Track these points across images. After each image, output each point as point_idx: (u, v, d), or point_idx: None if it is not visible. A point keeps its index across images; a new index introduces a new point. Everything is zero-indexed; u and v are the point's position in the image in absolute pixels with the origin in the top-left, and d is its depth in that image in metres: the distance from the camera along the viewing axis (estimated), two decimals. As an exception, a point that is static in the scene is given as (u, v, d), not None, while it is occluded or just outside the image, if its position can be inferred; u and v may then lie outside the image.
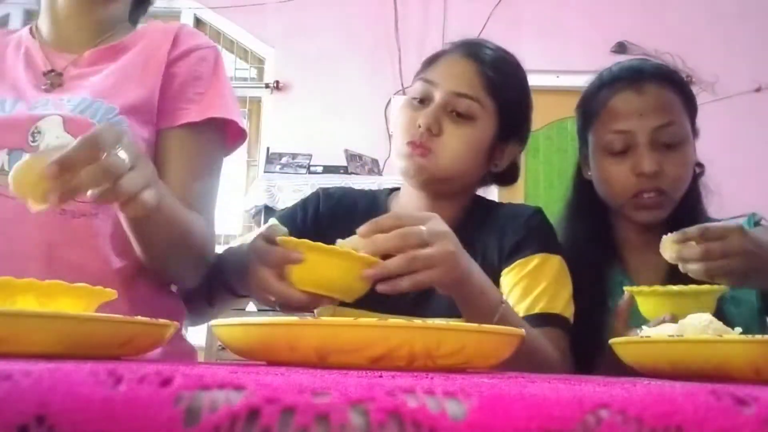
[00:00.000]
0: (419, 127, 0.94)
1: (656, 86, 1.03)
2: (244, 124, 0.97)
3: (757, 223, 1.05)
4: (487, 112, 0.96)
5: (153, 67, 0.93)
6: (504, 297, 0.87)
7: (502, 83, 0.98)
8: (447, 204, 0.98)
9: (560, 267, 0.95)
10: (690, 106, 1.06)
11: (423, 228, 0.72)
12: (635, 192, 1.01)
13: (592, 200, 1.10)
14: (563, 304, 0.91)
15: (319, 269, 0.71)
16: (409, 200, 1.02)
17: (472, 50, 1.00)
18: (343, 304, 0.78)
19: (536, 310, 0.90)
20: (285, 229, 0.80)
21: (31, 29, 1.00)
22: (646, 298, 0.84)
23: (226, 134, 0.97)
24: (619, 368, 0.63)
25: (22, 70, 0.95)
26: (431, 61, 1.02)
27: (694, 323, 0.57)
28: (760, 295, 1.03)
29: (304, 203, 1.06)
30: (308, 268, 0.71)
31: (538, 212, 1.00)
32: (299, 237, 0.74)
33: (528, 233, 0.96)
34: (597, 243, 1.08)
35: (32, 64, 0.96)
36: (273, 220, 0.96)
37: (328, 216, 1.03)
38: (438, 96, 0.96)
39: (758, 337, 0.50)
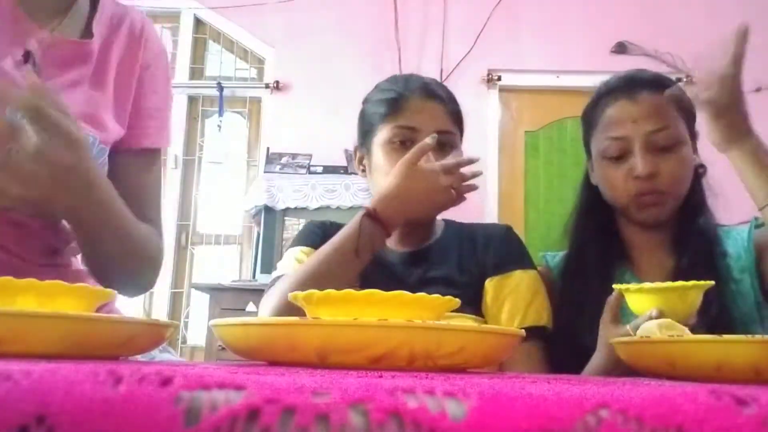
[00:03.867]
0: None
1: (649, 93, 1.07)
2: (170, 139, 1.07)
3: (759, 226, 1.07)
4: (458, 139, 1.13)
5: (126, 94, 0.97)
6: (488, 303, 1.06)
7: (458, 112, 1.14)
8: (423, 227, 1.13)
9: (537, 278, 1.09)
10: (686, 111, 1.08)
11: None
12: (635, 193, 1.06)
13: (600, 202, 1.15)
14: (547, 315, 1.06)
15: None
16: None
17: (430, 91, 1.11)
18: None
19: (527, 323, 1.03)
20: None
21: None
22: (633, 295, 0.84)
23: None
24: (620, 365, 0.64)
25: None
26: (394, 109, 1.10)
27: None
28: (756, 287, 1.03)
29: (321, 226, 1.17)
30: None
31: (511, 230, 1.15)
32: None
33: (508, 250, 1.11)
34: (604, 244, 1.13)
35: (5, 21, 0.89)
36: (298, 251, 1.11)
37: None
38: (423, 137, 1.04)
39: (758, 337, 0.50)
